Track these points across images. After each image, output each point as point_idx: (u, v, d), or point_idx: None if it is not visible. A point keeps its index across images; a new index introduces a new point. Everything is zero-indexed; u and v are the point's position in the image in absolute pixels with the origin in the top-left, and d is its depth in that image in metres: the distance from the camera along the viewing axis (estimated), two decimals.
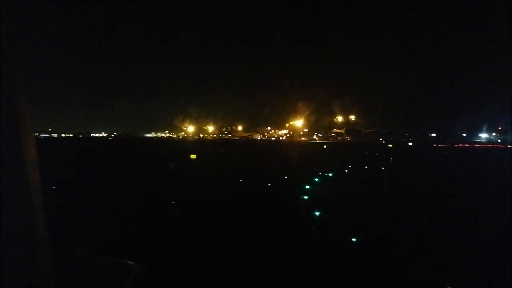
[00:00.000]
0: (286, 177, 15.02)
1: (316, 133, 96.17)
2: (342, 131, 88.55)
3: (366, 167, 19.78)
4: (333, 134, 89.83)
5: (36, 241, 1.15)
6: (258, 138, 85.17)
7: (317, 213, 8.37)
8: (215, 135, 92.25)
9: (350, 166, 19.69)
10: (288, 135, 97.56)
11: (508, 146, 46.02)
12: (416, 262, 5.35)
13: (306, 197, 10.36)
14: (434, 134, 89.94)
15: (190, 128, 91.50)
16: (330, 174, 16.17)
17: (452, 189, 13.53)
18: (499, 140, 63.33)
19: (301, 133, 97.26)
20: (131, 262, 1.94)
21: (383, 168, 19.75)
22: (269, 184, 12.92)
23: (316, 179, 14.22)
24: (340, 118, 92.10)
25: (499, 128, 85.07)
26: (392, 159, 26.32)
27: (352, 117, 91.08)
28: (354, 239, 6.38)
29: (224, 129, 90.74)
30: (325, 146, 45.27)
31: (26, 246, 1.13)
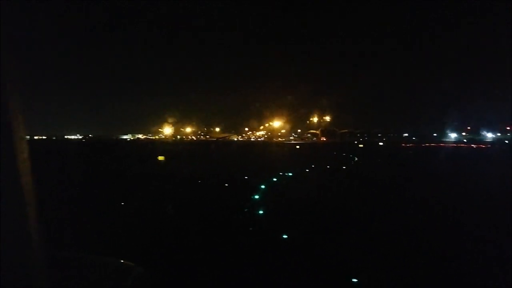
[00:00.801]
0: (246, 177, 15.34)
1: (293, 134, 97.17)
2: (317, 132, 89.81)
3: (328, 166, 20.37)
4: (308, 135, 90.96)
5: (35, 242, 1.13)
6: (235, 139, 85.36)
7: (261, 212, 8.73)
8: (192, 137, 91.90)
9: (313, 166, 20.25)
10: (266, 136, 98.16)
11: (471, 145, 47.90)
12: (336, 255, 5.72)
13: (257, 196, 10.70)
14: (406, 134, 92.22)
15: (168, 130, 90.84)
16: (290, 174, 16.63)
17: (401, 184, 14.27)
18: (464, 140, 65.85)
19: (279, 134, 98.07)
20: (131, 263, 1.95)
21: (344, 167, 20.35)
22: (226, 184, 13.24)
23: (275, 179, 14.62)
24: (315, 119, 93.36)
25: (468, 128, 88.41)
26: (356, 159, 27.12)
27: (327, 118, 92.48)
28: (284, 236, 6.76)
29: (200, 131, 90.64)
30: (297, 147, 45.90)
31: (25, 248, 1.11)
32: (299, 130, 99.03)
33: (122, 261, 1.96)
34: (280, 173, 16.46)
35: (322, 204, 9.79)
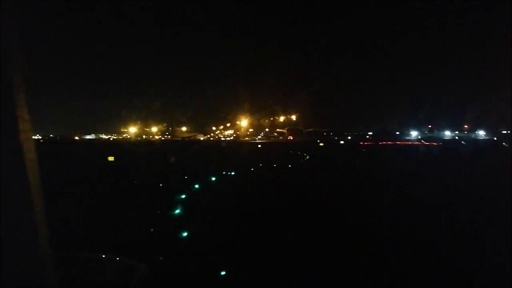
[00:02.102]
0: (186, 177, 15.41)
1: (262, 133, 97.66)
2: (284, 131, 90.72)
3: (275, 165, 20.73)
4: (275, 134, 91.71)
5: (39, 241, 1.10)
6: (202, 139, 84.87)
7: (177, 211, 8.85)
8: (158, 136, 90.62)
9: (260, 164, 20.57)
10: (235, 135, 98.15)
11: (426, 143, 49.93)
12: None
13: (183, 196, 10.78)
14: (371, 133, 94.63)
15: (133, 129, 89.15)
16: (233, 173, 16.84)
17: (331, 179, 14.91)
18: (419, 137, 68.67)
19: (248, 133, 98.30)
20: (136, 262, 1.93)
21: (289, 166, 20.79)
22: (161, 185, 13.26)
23: (213, 178, 14.78)
24: (283, 118, 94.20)
25: (430, 127, 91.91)
26: (308, 157, 27.78)
27: (294, 117, 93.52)
28: (184, 234, 6.91)
29: (165, 130, 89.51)
30: (259, 146, 46.23)
31: (28, 247, 1.09)
32: (267, 129, 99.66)
33: (127, 259, 1.95)
34: (223, 172, 16.65)
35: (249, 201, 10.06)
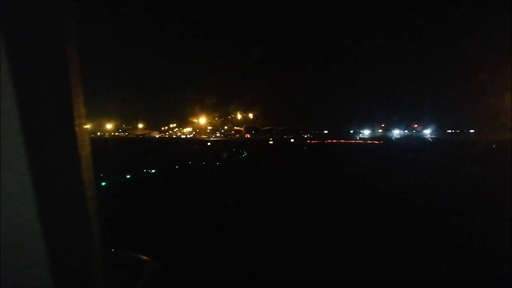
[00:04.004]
0: (101, 174, 15.35)
1: (222, 131, 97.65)
2: (242, 129, 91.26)
3: (203, 162, 21.06)
4: (232, 132, 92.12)
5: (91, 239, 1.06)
6: (157, 136, 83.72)
7: None
8: (113, 133, 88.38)
9: (190, 162, 20.84)
10: (193, 133, 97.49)
11: (375, 142, 52.06)
12: None
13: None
14: (326, 131, 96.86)
15: (85, 126, 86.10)
16: (153, 171, 16.99)
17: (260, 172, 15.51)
18: (361, 135, 71.87)
19: (207, 130, 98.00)
20: (146, 257, 1.86)
21: (217, 163, 21.19)
22: None
23: (128, 176, 14.89)
24: (241, 116, 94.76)
25: (383, 125, 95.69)
26: (246, 154, 28.45)
27: (251, 115, 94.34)
28: None
29: (120, 128, 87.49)
30: (208, 144, 46.35)
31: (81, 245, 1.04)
32: (225, 127, 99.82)
33: (137, 255, 1.89)
34: (144, 170, 16.73)
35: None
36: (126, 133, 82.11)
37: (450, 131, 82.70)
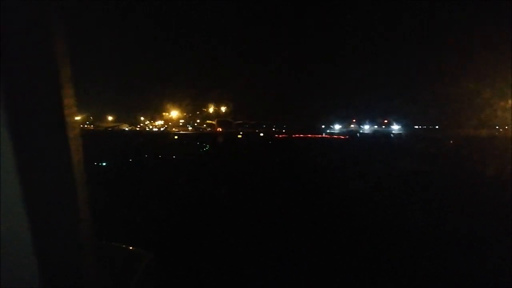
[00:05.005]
0: None
1: (194, 124, 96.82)
2: (214, 123, 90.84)
3: (160, 156, 20.93)
4: (204, 125, 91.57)
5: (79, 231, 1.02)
6: (126, 129, 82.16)
7: None
8: (81, 125, 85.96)
9: (146, 156, 20.66)
10: (166, 126, 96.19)
11: (340, 136, 53.10)
12: None
13: None
14: (298, 126, 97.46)
15: None
16: (104, 164, 16.78)
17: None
18: (328, 131, 73.33)
19: (180, 124, 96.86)
20: (143, 251, 1.85)
21: (174, 156, 21.12)
22: None
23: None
24: (213, 110, 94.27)
25: (353, 120, 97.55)
26: (208, 147, 28.49)
27: (223, 109, 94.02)
28: None
29: (87, 120, 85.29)
30: (175, 137, 45.93)
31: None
32: (198, 121, 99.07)
33: (131, 247, 1.86)
34: (95, 163, 16.49)
35: None
36: (93, 126, 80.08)
37: (417, 127, 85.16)
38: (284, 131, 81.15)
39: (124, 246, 1.95)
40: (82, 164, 1.06)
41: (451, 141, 38.24)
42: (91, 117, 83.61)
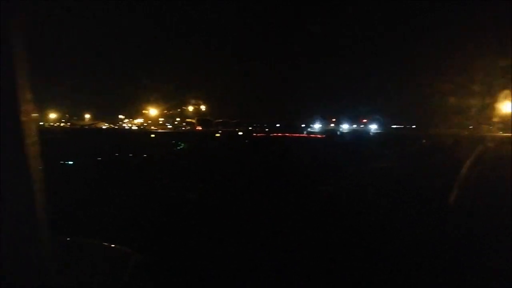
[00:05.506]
0: None
1: (175, 122, 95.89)
2: (194, 121, 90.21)
3: (130, 155, 20.77)
4: (183, 124, 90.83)
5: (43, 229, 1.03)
6: (104, 127, 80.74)
7: None
8: (58, 123, 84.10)
9: (117, 154, 20.47)
10: (145, 124, 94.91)
11: (318, 136, 53.71)
12: None
13: None
14: (278, 125, 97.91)
15: None
16: (70, 163, 16.58)
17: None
18: (309, 130, 74.10)
19: (160, 122, 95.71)
20: (131, 250, 1.87)
21: (145, 155, 21.01)
22: None
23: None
24: (193, 108, 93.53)
25: (333, 120, 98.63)
26: (183, 145, 28.48)
27: (203, 108, 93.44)
28: None
29: (63, 118, 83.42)
30: (152, 136, 45.56)
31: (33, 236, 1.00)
32: (178, 119, 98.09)
33: (120, 247, 1.84)
34: (61, 162, 16.26)
35: None
36: (69, 124, 78.34)
37: (394, 126, 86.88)
38: (267, 130, 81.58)
39: (111, 245, 1.97)
40: (39, 165, 1.09)
41: (424, 140, 39.10)
42: (67, 115, 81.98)
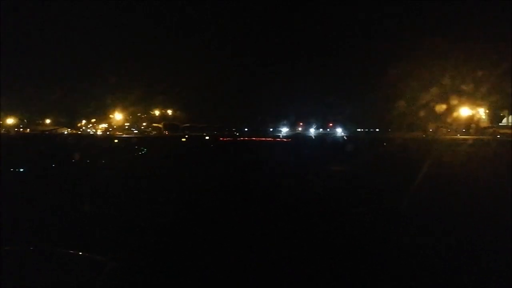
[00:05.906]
0: None
1: (141, 127, 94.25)
2: (160, 126, 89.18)
3: (88, 160, 20.13)
4: (149, 129, 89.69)
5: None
6: (65, 133, 78.26)
7: None
8: (16, 129, 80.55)
9: (73, 160, 19.80)
10: (110, 129, 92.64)
11: (284, 140, 54.39)
12: None
13: None
14: (246, 129, 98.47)
15: None
16: (21, 170, 15.89)
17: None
18: (277, 133, 75.43)
19: (126, 127, 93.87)
20: (104, 258, 1.78)
21: (103, 161, 20.45)
22: None
23: None
24: (159, 113, 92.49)
25: (301, 124, 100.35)
26: (145, 150, 28.02)
27: (170, 112, 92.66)
28: None
29: (19, 124, 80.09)
30: (116, 141, 44.53)
31: None
32: (144, 124, 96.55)
33: (94, 255, 1.79)
34: (11, 169, 15.55)
35: None
36: (28, 129, 75.31)
37: (359, 129, 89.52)
38: (237, 134, 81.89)
39: (85, 254, 1.92)
40: None
41: (385, 143, 40.45)
42: (25, 120, 78.32)
